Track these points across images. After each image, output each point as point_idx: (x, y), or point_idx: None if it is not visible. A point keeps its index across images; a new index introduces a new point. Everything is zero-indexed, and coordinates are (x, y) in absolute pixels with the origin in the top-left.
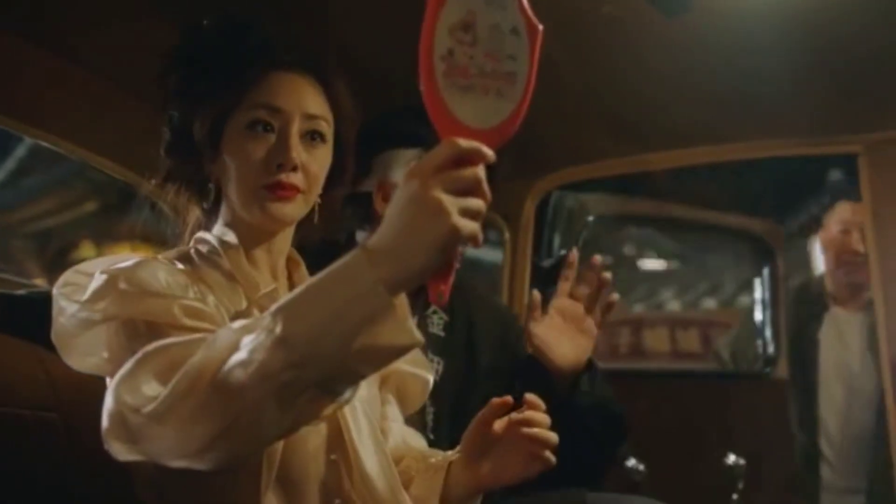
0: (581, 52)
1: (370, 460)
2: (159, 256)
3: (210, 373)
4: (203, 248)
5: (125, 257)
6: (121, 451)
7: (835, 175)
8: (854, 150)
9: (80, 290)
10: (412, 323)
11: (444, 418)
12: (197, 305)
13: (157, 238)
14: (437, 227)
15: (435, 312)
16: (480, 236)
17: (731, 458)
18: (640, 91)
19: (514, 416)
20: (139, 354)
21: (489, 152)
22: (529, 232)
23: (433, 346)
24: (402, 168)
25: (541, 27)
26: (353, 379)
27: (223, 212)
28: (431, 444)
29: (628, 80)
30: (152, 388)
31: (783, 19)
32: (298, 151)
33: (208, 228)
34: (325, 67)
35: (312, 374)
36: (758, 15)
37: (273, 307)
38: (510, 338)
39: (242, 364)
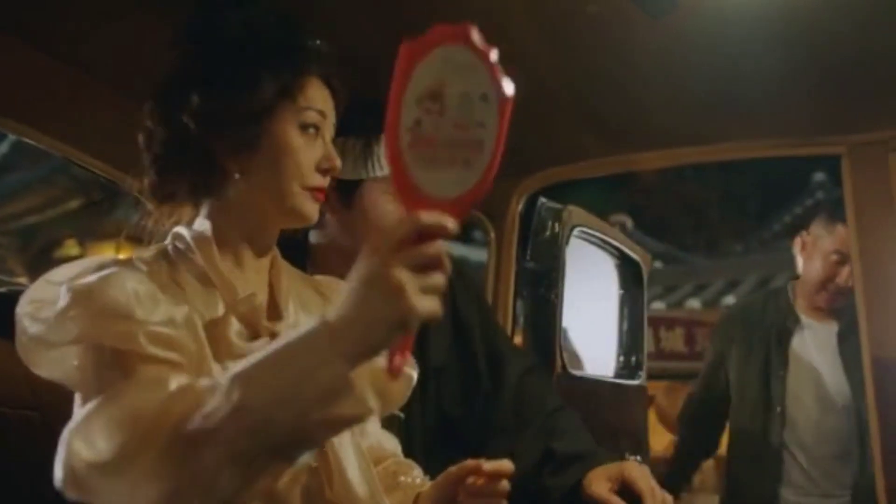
0: (566, 53)
1: (351, 466)
2: (134, 256)
3: (165, 434)
4: (181, 246)
5: (97, 263)
6: (76, 498)
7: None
8: (837, 152)
9: (46, 306)
10: (369, 394)
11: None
12: (164, 332)
13: (143, 236)
14: (396, 307)
15: None
16: (440, 312)
17: (629, 456)
18: (625, 91)
19: (480, 484)
20: (95, 403)
21: (453, 225)
22: (515, 232)
23: None
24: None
25: (511, 94)
26: (309, 446)
27: (218, 205)
28: (402, 423)
29: (614, 80)
30: (106, 443)
31: (768, 21)
32: None
33: (189, 223)
34: (340, 78)
35: (268, 442)
36: (742, 17)
37: (232, 372)
38: (465, 297)
39: (198, 427)
